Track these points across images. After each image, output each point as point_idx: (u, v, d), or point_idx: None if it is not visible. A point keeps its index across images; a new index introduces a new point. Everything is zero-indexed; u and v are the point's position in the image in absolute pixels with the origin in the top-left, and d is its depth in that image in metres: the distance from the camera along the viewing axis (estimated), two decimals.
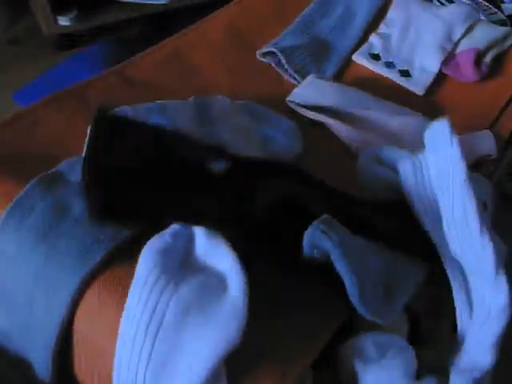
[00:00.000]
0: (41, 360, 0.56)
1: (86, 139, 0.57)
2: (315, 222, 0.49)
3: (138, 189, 0.53)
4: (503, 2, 1.71)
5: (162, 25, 2.14)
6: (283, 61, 0.87)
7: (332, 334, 0.53)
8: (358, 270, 0.47)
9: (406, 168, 0.61)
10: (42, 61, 2.28)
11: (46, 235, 0.55)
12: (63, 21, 2.23)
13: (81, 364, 0.55)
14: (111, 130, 0.56)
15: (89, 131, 0.56)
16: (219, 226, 0.48)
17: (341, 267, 0.47)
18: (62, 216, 0.56)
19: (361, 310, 0.48)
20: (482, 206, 0.70)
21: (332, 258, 0.48)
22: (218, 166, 0.57)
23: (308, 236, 0.49)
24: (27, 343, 0.57)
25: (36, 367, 0.57)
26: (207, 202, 0.54)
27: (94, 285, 0.51)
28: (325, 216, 0.50)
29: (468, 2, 0.94)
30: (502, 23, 1.72)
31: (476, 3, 1.75)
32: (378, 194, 0.65)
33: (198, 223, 0.48)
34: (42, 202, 0.57)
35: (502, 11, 1.75)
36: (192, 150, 0.58)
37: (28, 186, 0.58)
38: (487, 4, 1.75)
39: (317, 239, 0.49)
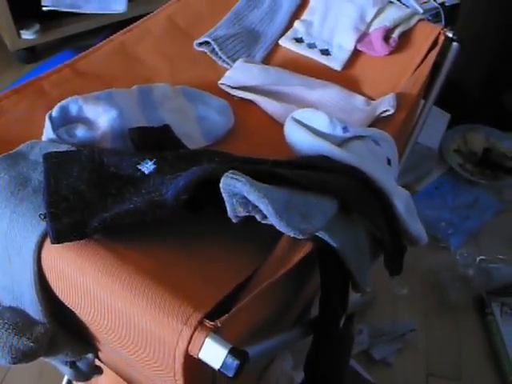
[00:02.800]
0: (32, 304, 0.66)
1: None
2: (225, 174, 0.57)
3: (87, 204, 0.63)
4: None
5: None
6: (216, 49, 0.97)
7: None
8: (269, 196, 0.54)
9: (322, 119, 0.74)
10: (7, 75, 2.35)
11: (8, 201, 0.65)
12: (27, 35, 2.31)
13: (62, 296, 0.66)
14: (58, 164, 0.67)
15: (42, 169, 0.67)
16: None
17: (253, 197, 0.54)
18: (22, 186, 0.66)
19: (280, 225, 0.55)
20: (387, 160, 0.83)
21: (245, 194, 0.55)
22: (148, 166, 0.68)
23: (223, 186, 0.57)
24: (18, 294, 0.67)
25: (31, 312, 0.67)
26: (141, 197, 0.64)
27: None
28: (231, 170, 0.58)
29: None
30: (435, 10, 1.88)
31: None
32: (303, 152, 0.75)
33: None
34: (6, 176, 0.67)
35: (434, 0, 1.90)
36: (123, 159, 0.69)
37: None
38: None
39: (229, 184, 0.56)
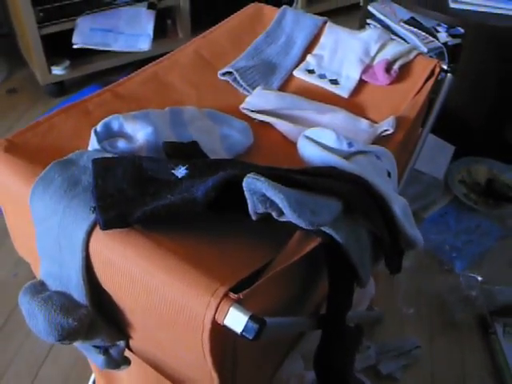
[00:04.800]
0: (77, 288, 0.76)
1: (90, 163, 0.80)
2: (247, 175, 0.67)
3: (129, 200, 0.74)
4: (438, 32, 2.01)
5: None
6: (238, 78, 1.10)
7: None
8: (284, 193, 0.65)
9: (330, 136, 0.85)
10: (38, 108, 2.50)
11: (62, 198, 0.76)
12: (57, 70, 2.47)
13: (104, 280, 0.76)
14: (104, 168, 0.78)
15: (91, 171, 0.78)
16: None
17: (271, 193, 0.63)
18: (73, 186, 0.77)
19: (293, 217, 0.63)
20: (387, 173, 0.93)
21: (264, 191, 0.64)
22: (181, 171, 0.80)
23: (245, 185, 0.67)
24: (66, 279, 0.77)
25: (75, 295, 0.78)
26: (175, 195, 0.74)
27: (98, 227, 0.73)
28: (252, 173, 0.68)
29: (379, 26, 1.19)
30: (439, 49, 2.02)
31: (417, 35, 2.05)
32: (314, 165, 0.85)
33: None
34: (60, 177, 0.78)
35: (438, 39, 2.05)
36: (159, 165, 0.80)
37: (48, 167, 0.79)
38: (425, 35, 2.05)
39: (250, 184, 0.66)
